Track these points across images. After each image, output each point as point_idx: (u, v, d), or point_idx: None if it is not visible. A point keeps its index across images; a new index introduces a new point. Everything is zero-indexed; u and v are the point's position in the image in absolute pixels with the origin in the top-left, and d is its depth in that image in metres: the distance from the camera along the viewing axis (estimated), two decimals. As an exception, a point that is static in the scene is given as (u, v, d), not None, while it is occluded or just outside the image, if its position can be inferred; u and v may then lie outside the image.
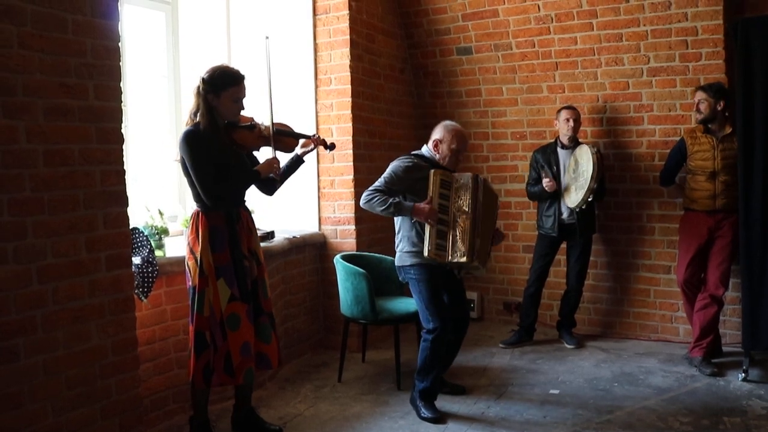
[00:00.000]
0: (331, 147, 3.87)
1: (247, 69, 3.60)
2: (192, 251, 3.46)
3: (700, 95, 4.61)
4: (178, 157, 3.48)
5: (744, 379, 4.35)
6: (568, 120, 5.13)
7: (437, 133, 4.06)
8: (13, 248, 2.81)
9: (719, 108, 4.57)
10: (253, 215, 3.76)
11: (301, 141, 3.79)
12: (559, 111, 5.24)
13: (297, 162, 3.82)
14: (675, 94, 5.11)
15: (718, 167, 4.56)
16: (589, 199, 4.91)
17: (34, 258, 2.90)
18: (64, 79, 2.98)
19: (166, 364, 3.87)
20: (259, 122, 3.65)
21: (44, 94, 2.91)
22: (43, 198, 2.93)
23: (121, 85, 3.27)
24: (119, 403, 3.21)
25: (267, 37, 3.69)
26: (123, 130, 3.28)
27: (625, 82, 5.29)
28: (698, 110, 4.61)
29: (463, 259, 3.83)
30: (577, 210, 5.02)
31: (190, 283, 3.47)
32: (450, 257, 3.85)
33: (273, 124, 3.61)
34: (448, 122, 4.14)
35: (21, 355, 2.86)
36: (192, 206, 3.60)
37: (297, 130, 3.81)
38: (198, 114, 3.42)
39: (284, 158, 3.78)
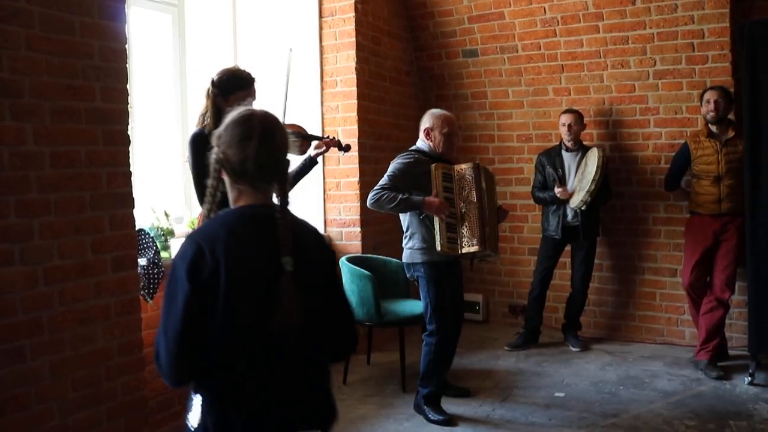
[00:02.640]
0: (347, 148, 3.88)
1: (254, 71, 3.60)
2: None
3: (715, 95, 4.57)
4: (187, 159, 3.49)
5: (750, 383, 4.33)
6: (564, 124, 5.14)
7: (426, 122, 4.04)
8: (19, 249, 2.82)
9: (728, 111, 4.58)
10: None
11: (314, 143, 3.79)
12: (560, 114, 5.26)
13: (310, 164, 3.82)
14: (681, 97, 5.10)
15: (723, 171, 4.54)
16: (588, 200, 4.90)
17: (41, 259, 2.91)
18: (71, 81, 2.99)
19: (172, 366, 3.87)
20: None
21: (51, 96, 2.92)
22: (49, 199, 2.94)
23: (128, 87, 3.28)
24: (125, 405, 3.21)
25: (291, 49, 3.69)
26: (129, 132, 3.29)
27: (631, 84, 5.28)
28: (716, 109, 4.56)
29: (476, 249, 3.83)
30: (578, 210, 5.02)
31: None
32: (462, 249, 3.85)
33: (284, 125, 3.61)
34: (433, 110, 4.14)
35: (27, 356, 2.87)
36: (198, 207, 3.60)
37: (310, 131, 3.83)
38: (206, 116, 3.40)
39: (297, 160, 3.79)
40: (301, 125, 3.78)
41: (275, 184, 1.79)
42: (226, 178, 1.79)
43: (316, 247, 1.84)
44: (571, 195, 5.03)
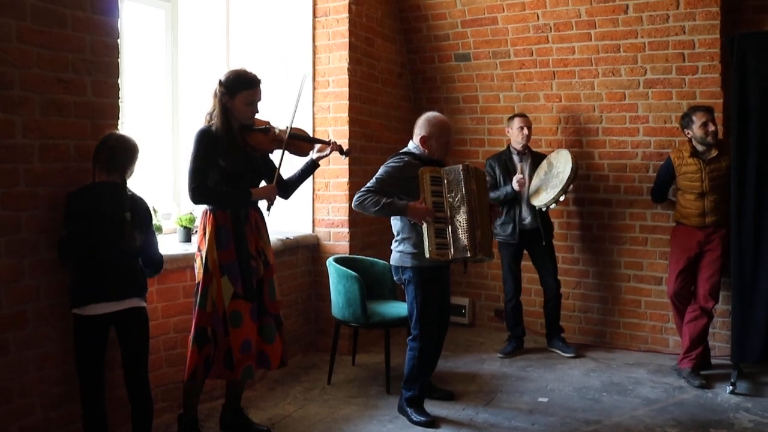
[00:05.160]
0: (347, 153, 3.91)
1: (246, 68, 3.61)
2: (199, 248, 3.52)
3: (710, 116, 4.54)
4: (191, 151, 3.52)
5: (732, 392, 4.37)
6: (522, 128, 5.16)
7: (423, 129, 3.94)
8: (5, 242, 2.82)
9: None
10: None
11: (317, 146, 3.82)
12: (512, 118, 5.26)
13: (312, 166, 3.87)
14: (671, 107, 5.13)
15: (707, 188, 4.56)
16: (561, 199, 4.90)
17: (27, 253, 2.90)
18: (62, 75, 2.99)
19: (156, 362, 3.85)
20: (275, 126, 3.69)
21: (41, 89, 2.91)
22: (37, 193, 2.93)
23: (119, 82, 3.28)
24: (108, 401, 3.20)
25: (306, 76, 3.75)
26: (119, 127, 3.29)
27: (622, 93, 5.31)
28: (715, 131, 4.54)
29: (467, 254, 3.75)
30: (544, 209, 5.01)
31: (197, 279, 3.53)
32: (453, 254, 3.77)
33: (290, 128, 3.64)
34: (429, 115, 4.01)
35: (11, 349, 2.86)
36: (186, 200, 3.62)
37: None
38: (213, 114, 3.48)
39: (299, 161, 3.84)
40: (304, 129, 3.83)
41: (119, 172, 3.07)
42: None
43: (143, 208, 3.20)
44: (534, 194, 5.02)
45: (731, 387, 4.39)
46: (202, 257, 3.47)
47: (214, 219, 3.47)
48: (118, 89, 3.28)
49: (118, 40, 3.27)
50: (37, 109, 2.90)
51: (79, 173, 3.08)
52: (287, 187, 3.83)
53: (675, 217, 4.86)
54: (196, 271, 3.53)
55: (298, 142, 3.71)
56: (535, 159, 5.22)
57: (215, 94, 3.48)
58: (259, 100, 3.55)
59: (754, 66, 4.21)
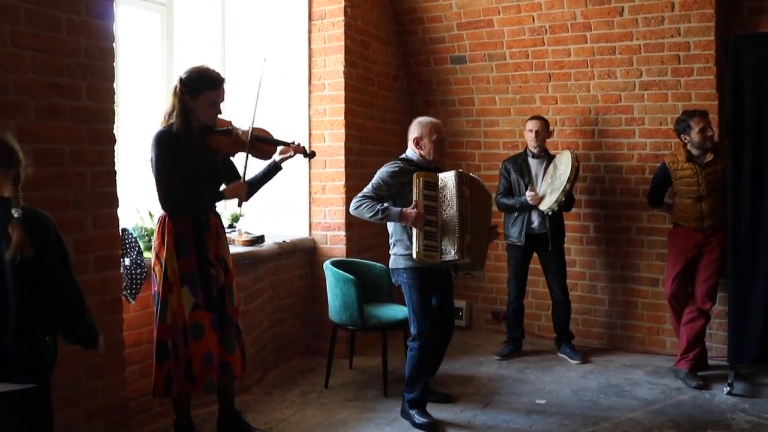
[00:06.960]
0: (311, 155, 3.83)
1: (242, 73, 3.58)
2: (158, 256, 3.36)
3: (707, 120, 4.56)
4: (149, 156, 3.38)
5: (729, 393, 4.37)
6: (531, 131, 5.13)
7: (414, 132, 4.06)
8: (1, 248, 2.79)
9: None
10: (241, 219, 3.70)
11: (280, 148, 3.72)
12: (526, 121, 5.25)
13: (274, 169, 3.75)
14: (666, 108, 5.14)
15: (704, 192, 4.57)
16: (562, 200, 4.85)
17: (22, 258, 2.87)
18: (57, 79, 2.98)
19: (152, 366, 3.84)
20: (237, 127, 3.56)
21: (36, 93, 2.90)
22: (32, 198, 2.90)
23: (115, 86, 3.27)
24: (105, 406, 3.19)
25: (264, 59, 3.63)
26: (115, 131, 3.27)
27: (618, 95, 5.32)
28: (711, 139, 4.56)
29: (454, 257, 3.79)
30: (549, 213, 4.96)
31: (155, 288, 3.38)
32: (441, 257, 3.83)
33: (252, 129, 3.52)
34: (419, 118, 4.14)
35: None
36: (156, 206, 3.52)
37: (278, 136, 3.73)
38: (173, 115, 3.34)
39: (261, 164, 3.73)
40: (267, 129, 3.69)
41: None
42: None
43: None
44: (540, 200, 5.00)
45: (728, 388, 4.39)
46: (161, 266, 3.33)
47: (172, 226, 3.33)
48: (114, 93, 3.27)
49: (114, 44, 3.26)
50: (32, 113, 2.89)
51: (75, 178, 3.07)
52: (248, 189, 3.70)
53: (672, 219, 4.86)
54: (155, 280, 3.38)
55: (260, 144, 3.58)
56: (551, 161, 5.16)
57: (175, 92, 3.32)
58: (222, 100, 3.41)
59: (749, 67, 4.22)
